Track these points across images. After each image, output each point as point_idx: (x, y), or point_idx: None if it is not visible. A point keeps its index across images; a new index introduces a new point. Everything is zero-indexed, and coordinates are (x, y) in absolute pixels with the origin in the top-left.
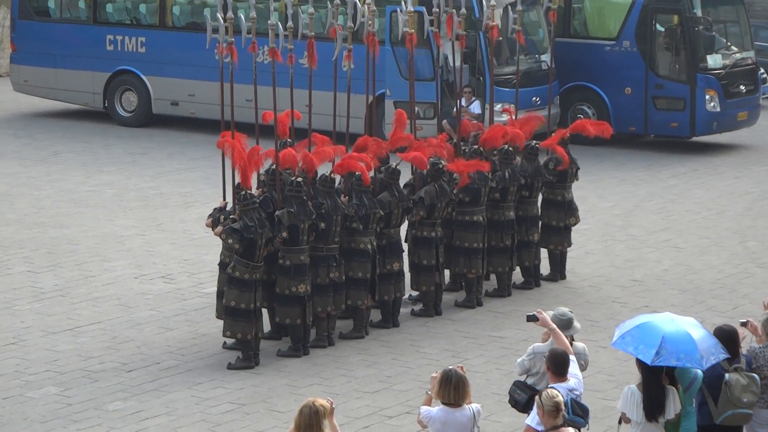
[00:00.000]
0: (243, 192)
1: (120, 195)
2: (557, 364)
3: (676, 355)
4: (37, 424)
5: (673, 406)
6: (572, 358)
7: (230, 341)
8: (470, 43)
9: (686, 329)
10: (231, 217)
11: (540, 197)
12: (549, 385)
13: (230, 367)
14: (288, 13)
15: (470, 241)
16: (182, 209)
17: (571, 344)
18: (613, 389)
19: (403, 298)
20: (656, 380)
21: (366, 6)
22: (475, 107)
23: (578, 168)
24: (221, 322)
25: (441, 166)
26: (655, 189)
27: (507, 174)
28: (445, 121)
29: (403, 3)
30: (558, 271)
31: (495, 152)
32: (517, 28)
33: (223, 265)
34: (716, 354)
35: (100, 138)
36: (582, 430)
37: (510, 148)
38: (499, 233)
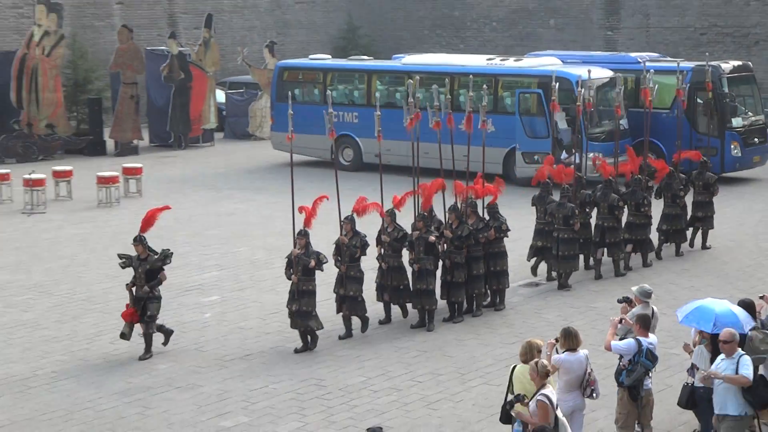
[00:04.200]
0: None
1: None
2: (644, 322)
3: (729, 322)
4: None
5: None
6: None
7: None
8: (572, 113)
9: (729, 308)
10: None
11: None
12: (636, 337)
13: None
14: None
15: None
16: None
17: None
18: (671, 341)
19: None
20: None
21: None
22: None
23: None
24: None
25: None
26: None
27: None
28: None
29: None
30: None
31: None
32: (617, 101)
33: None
34: (749, 323)
35: (329, 179)
36: (651, 371)
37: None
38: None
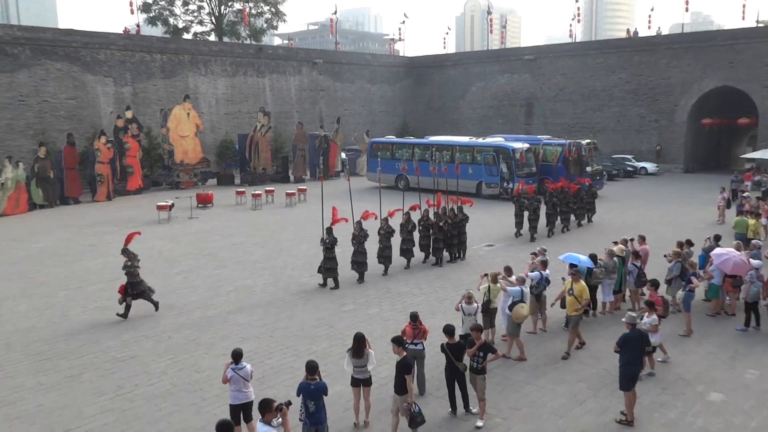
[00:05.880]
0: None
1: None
2: (544, 264)
3: (586, 264)
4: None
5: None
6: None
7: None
8: (510, 164)
9: (586, 256)
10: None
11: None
12: (541, 272)
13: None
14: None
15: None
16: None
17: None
18: (556, 274)
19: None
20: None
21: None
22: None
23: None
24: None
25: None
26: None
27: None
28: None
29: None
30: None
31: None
32: (524, 154)
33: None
34: (592, 263)
35: (400, 193)
36: (545, 293)
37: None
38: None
